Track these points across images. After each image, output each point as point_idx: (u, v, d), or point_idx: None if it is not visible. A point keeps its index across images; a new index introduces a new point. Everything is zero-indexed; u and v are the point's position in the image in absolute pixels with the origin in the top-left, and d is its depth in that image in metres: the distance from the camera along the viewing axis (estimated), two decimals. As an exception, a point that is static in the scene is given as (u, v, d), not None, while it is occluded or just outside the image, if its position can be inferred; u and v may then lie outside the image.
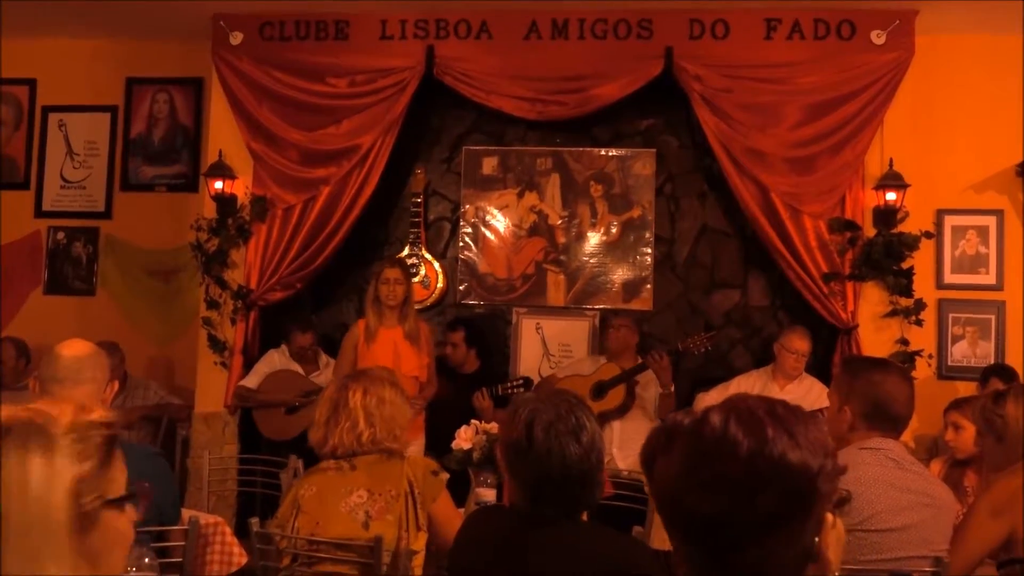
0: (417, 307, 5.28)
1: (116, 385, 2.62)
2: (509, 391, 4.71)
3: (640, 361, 4.76)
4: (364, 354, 4.42)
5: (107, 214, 5.85)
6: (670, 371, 4.63)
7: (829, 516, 1.07)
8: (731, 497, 1.03)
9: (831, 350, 4.89)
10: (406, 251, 5.32)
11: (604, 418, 4.59)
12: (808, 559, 1.06)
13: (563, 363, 5.20)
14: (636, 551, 1.93)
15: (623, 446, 4.68)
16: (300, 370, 5.01)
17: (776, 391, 4.63)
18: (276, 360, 5.04)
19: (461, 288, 5.40)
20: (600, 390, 4.69)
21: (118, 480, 1.17)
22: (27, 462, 1.08)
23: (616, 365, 4.74)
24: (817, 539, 1.06)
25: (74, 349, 2.51)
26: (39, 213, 5.91)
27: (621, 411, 4.71)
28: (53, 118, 5.93)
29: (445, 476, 2.73)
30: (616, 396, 4.68)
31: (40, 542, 1.06)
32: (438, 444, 3.93)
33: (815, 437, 1.06)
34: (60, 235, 5.90)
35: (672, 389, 4.65)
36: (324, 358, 5.09)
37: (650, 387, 4.77)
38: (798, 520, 1.04)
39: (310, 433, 2.75)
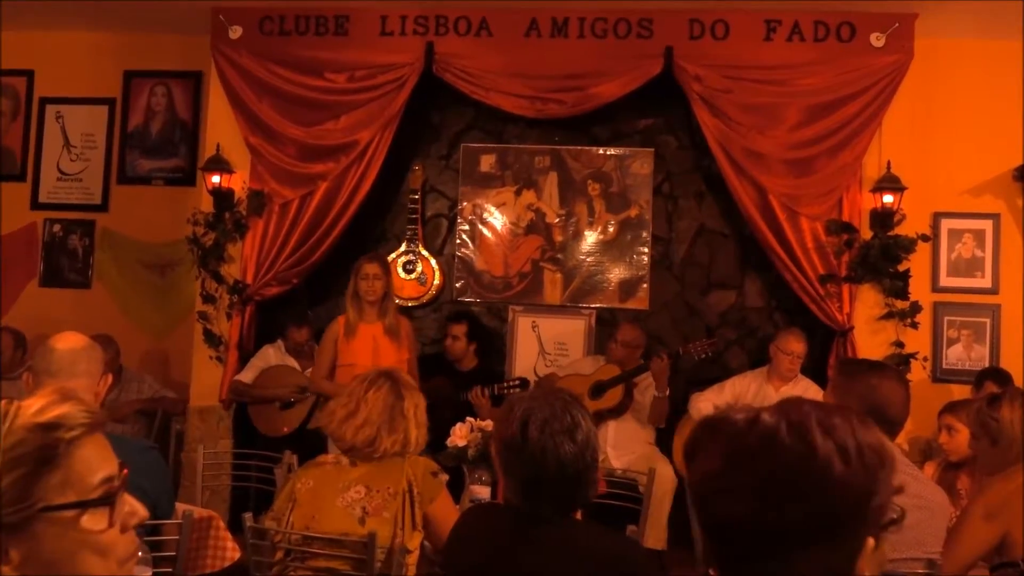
0: (413, 304, 5.31)
1: (110, 379, 2.60)
2: (505, 391, 4.71)
3: (641, 363, 4.77)
4: (344, 349, 4.41)
5: (103, 207, 5.84)
6: (668, 375, 4.63)
7: (871, 540, 1.00)
8: (763, 503, 0.98)
9: (826, 352, 4.90)
10: (403, 247, 5.32)
11: (600, 417, 4.60)
12: None
13: (559, 362, 5.21)
14: (629, 550, 1.93)
15: (617, 446, 4.69)
16: (296, 365, 5.01)
17: (771, 392, 4.64)
18: (271, 355, 5.04)
19: (458, 285, 5.40)
20: (599, 390, 4.69)
21: (79, 481, 1.10)
22: None
23: (616, 366, 4.74)
24: (856, 562, 1.00)
25: (68, 342, 2.49)
26: (35, 205, 5.90)
27: (618, 411, 4.71)
28: (50, 110, 5.92)
29: (445, 477, 2.73)
30: (614, 396, 4.68)
31: None
32: (433, 440, 3.93)
33: (871, 457, 1.00)
34: (56, 227, 5.88)
35: (667, 394, 4.65)
36: (319, 353, 5.09)
37: (648, 392, 4.77)
38: (833, 538, 0.98)
39: (345, 427, 2.66)
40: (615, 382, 4.69)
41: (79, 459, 1.11)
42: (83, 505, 1.10)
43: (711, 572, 1.06)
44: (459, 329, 5.00)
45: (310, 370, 4.99)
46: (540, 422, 1.86)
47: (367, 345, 4.38)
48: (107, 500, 1.12)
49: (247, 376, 4.99)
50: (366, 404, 2.66)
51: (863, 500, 0.99)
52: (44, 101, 5.92)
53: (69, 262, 5.86)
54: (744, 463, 1.01)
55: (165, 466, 2.72)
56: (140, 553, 1.99)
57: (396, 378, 2.75)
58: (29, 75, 5.92)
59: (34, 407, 1.11)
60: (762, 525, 0.99)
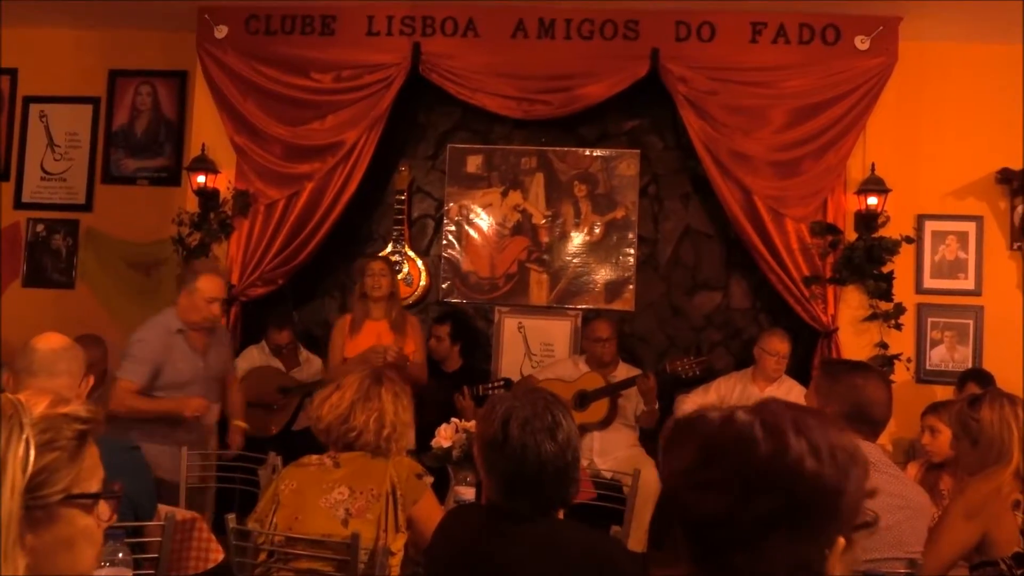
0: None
1: (92, 380, 2.60)
2: (490, 391, 4.71)
3: (623, 365, 4.80)
4: (349, 344, 4.49)
5: (87, 207, 5.80)
6: (656, 391, 4.63)
7: (842, 540, 1.02)
8: (735, 498, 1.00)
9: (811, 353, 4.92)
10: (389, 248, 5.31)
11: (585, 429, 4.59)
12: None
13: (545, 363, 5.19)
14: (610, 548, 1.93)
15: (603, 453, 4.69)
16: (280, 366, 4.99)
17: (756, 393, 4.66)
18: (255, 357, 5.01)
19: (444, 286, 5.39)
20: (583, 400, 4.68)
21: (89, 477, 1.15)
22: None
23: (600, 375, 4.73)
24: (826, 560, 1.01)
25: (49, 342, 2.49)
26: (18, 204, 5.85)
27: (603, 425, 4.72)
28: (34, 109, 5.87)
29: (429, 479, 2.72)
30: (599, 410, 4.68)
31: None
32: (418, 441, 3.93)
33: (843, 458, 1.02)
34: (40, 227, 5.84)
35: (656, 407, 4.66)
36: (304, 353, 5.08)
37: (631, 397, 4.77)
38: (802, 534, 1.00)
39: (323, 407, 2.69)
40: (600, 394, 4.68)
41: (90, 454, 1.17)
42: (100, 496, 1.16)
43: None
44: (442, 330, 5.00)
45: (295, 370, 4.99)
46: (521, 421, 1.87)
47: (371, 340, 4.44)
48: (118, 494, 1.19)
49: (231, 378, 4.97)
50: (344, 386, 2.70)
51: (833, 498, 1.01)
52: (28, 100, 5.87)
53: (52, 262, 5.82)
54: (717, 458, 1.03)
55: (148, 466, 2.71)
56: (121, 554, 1.99)
57: (378, 371, 2.78)
58: (12, 74, 5.87)
59: (43, 401, 1.15)
60: (733, 519, 1.00)
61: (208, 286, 4.02)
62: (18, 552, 1.06)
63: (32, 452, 1.07)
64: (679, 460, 1.06)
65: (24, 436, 1.08)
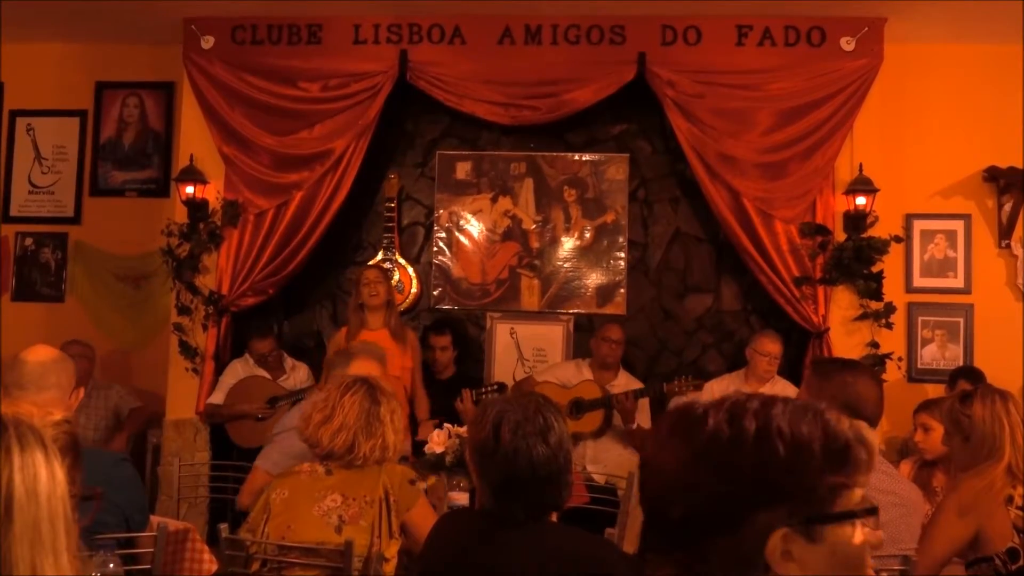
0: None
1: (82, 392, 2.59)
2: (485, 395, 4.71)
3: (623, 374, 4.84)
4: None
5: (76, 219, 5.78)
6: (634, 414, 4.62)
7: (778, 532, 0.98)
8: (706, 485, 1.00)
9: (802, 353, 4.93)
10: (380, 256, 5.30)
11: (578, 438, 4.58)
12: (752, 568, 0.98)
13: (538, 368, 5.19)
14: (603, 551, 1.92)
15: (595, 460, 4.69)
16: (267, 375, 4.96)
17: (749, 394, 4.65)
18: (240, 370, 4.98)
19: (435, 293, 5.39)
20: (578, 408, 4.68)
21: (79, 480, 1.19)
22: (29, 458, 1.10)
23: (597, 385, 4.73)
24: (766, 550, 0.98)
25: (39, 355, 2.49)
26: (6, 219, 5.82)
27: (597, 435, 4.71)
28: (21, 122, 5.85)
29: (423, 485, 2.71)
30: (593, 420, 4.68)
31: (48, 538, 1.09)
32: (413, 448, 3.93)
33: (795, 435, 1.01)
34: (28, 241, 5.81)
35: (635, 427, 4.63)
36: (290, 362, 5.06)
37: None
38: (731, 524, 0.98)
39: (321, 432, 2.62)
40: (595, 405, 4.67)
41: (79, 457, 1.27)
42: (87, 500, 1.26)
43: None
44: (444, 340, 5.00)
45: (282, 379, 4.97)
46: (513, 425, 1.86)
47: None
48: (98, 496, 1.32)
49: (218, 397, 4.94)
50: (341, 409, 2.64)
51: (796, 477, 1.00)
52: (14, 114, 5.85)
53: (41, 276, 5.79)
54: (682, 445, 1.05)
55: (138, 478, 2.69)
56: (112, 565, 1.98)
57: (372, 383, 2.73)
58: (-1, 87, 5.86)
59: (36, 412, 1.22)
60: (708, 508, 1.01)
61: None
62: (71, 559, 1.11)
63: (59, 460, 1.13)
64: (660, 460, 1.07)
65: (49, 444, 1.12)
